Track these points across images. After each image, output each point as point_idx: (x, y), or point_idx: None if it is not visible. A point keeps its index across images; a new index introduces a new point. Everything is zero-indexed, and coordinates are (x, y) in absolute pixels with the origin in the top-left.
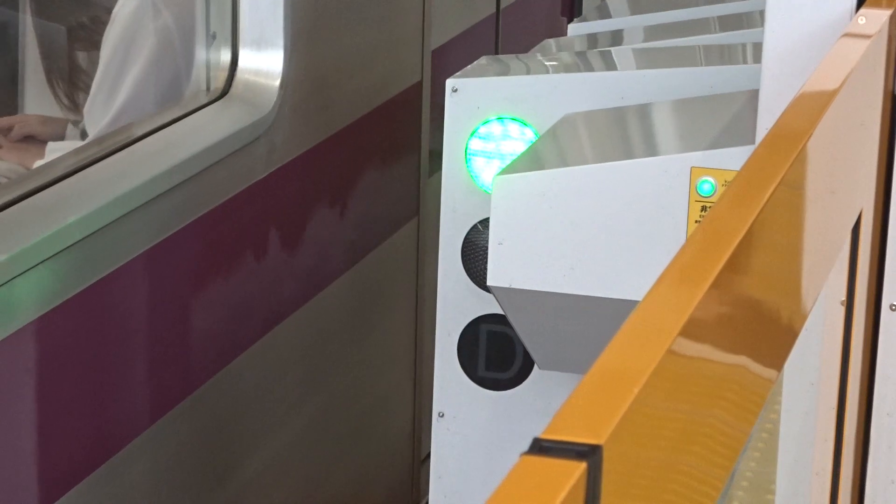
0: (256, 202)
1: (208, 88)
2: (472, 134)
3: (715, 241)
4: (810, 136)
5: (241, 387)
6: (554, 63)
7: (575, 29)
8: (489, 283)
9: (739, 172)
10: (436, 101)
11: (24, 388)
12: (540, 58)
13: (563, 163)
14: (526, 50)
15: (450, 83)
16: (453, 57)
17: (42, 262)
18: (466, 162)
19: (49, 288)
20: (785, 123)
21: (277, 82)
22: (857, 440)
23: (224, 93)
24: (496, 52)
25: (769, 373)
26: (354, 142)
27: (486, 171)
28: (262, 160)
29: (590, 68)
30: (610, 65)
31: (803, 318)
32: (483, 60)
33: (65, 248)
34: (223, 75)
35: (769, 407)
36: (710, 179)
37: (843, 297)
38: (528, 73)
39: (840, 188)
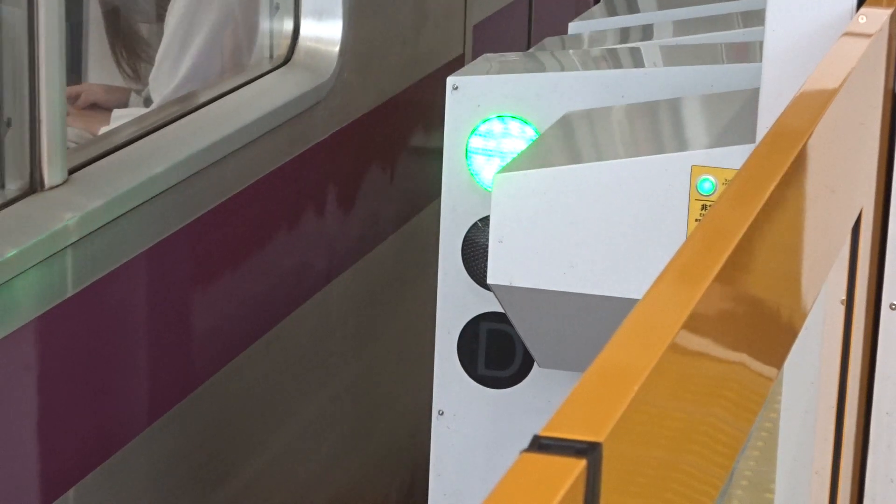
0: (315, 164)
1: (272, 56)
2: (472, 132)
3: (715, 240)
4: (810, 135)
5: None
6: (555, 61)
7: (576, 27)
8: (489, 280)
9: (739, 171)
10: None
11: (126, 324)
12: (540, 56)
13: (564, 161)
14: (556, 29)
15: (450, 81)
16: (491, 33)
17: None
18: (467, 160)
19: (144, 231)
20: (785, 122)
21: (337, 49)
22: (857, 439)
23: (287, 60)
24: (529, 30)
25: (769, 371)
26: (402, 110)
27: (487, 169)
28: (321, 123)
29: (590, 66)
30: (610, 63)
31: (803, 316)
32: (484, 58)
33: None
34: (286, 43)
35: (769, 406)
36: (711, 178)
37: (843, 296)
38: (528, 71)
39: (840, 187)
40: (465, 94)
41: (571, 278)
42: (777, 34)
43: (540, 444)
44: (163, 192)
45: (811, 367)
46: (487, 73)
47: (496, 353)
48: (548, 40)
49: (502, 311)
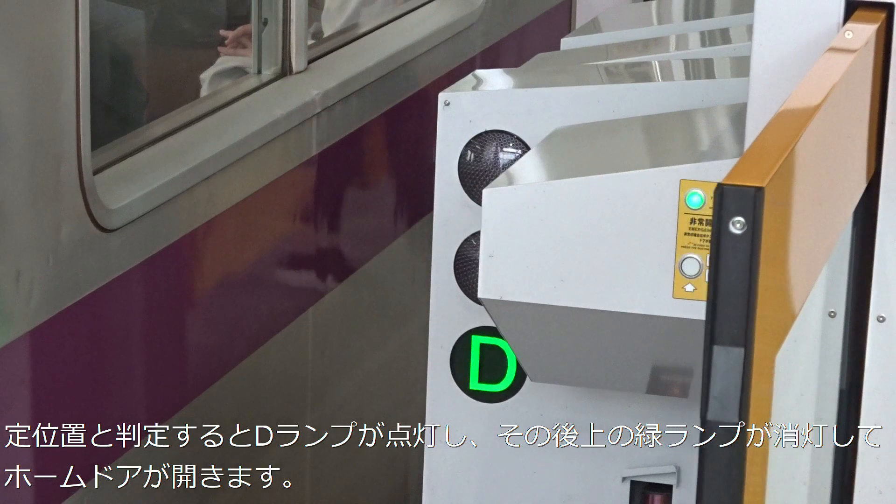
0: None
1: None
2: (464, 147)
3: None
4: (793, 148)
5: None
6: (546, 77)
7: (568, 43)
8: (479, 295)
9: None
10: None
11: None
12: (532, 71)
13: (554, 176)
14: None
15: (442, 97)
16: None
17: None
18: (459, 175)
19: (363, 109)
20: (768, 135)
21: None
22: (846, 451)
23: None
24: None
25: None
26: (528, 36)
27: (478, 185)
28: (475, 43)
29: (581, 82)
30: (602, 79)
31: (790, 328)
32: (475, 74)
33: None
34: None
35: None
36: (700, 192)
37: (831, 309)
38: (520, 86)
39: (827, 199)
40: (456, 109)
41: (562, 292)
42: (764, 49)
43: None
44: (376, 79)
45: (799, 380)
46: (479, 88)
47: (489, 367)
48: (540, 56)
49: (494, 325)
